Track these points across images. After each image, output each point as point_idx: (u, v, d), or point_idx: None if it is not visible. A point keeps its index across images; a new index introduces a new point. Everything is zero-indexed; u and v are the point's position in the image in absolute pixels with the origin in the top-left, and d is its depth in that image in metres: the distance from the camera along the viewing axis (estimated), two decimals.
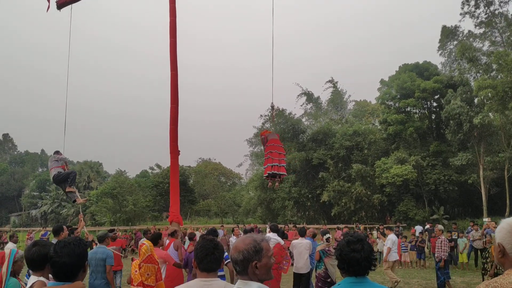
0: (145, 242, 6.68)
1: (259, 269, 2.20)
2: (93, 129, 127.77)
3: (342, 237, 2.70)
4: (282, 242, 9.46)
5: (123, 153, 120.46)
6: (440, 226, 12.48)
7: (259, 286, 2.18)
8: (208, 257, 2.85)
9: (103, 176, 71.23)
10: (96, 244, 10.86)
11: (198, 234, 12.97)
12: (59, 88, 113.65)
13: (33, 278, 3.33)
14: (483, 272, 10.73)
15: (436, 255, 11.71)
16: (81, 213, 11.04)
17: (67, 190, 10.48)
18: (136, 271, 6.27)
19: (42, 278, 3.29)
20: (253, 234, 2.37)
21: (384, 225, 24.20)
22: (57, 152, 10.75)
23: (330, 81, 52.09)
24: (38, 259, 3.32)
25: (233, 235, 17.53)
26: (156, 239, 7.44)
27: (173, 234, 9.26)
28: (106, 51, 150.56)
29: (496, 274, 10.22)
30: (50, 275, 3.00)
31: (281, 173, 11.11)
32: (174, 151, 9.94)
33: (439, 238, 11.81)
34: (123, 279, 11.09)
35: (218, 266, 2.89)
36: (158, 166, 61.70)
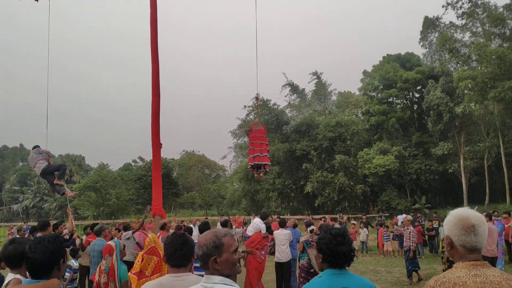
0: (149, 235, 7.32)
1: (219, 264, 2.19)
2: (74, 122, 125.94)
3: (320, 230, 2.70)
4: (263, 230, 9.53)
5: (105, 146, 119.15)
6: (408, 216, 12.66)
7: (221, 280, 2.18)
8: (176, 253, 2.87)
9: (86, 170, 70.49)
10: (80, 239, 10.85)
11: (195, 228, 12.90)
12: (38, 80, 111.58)
13: (9, 276, 3.28)
14: (442, 261, 10.85)
15: (404, 245, 11.86)
16: (68, 206, 10.96)
17: (55, 182, 10.38)
18: (138, 261, 6.69)
19: (18, 276, 3.24)
20: (217, 229, 2.36)
21: (367, 215, 24.56)
22: (36, 147, 10.59)
23: (314, 73, 52.16)
24: (14, 257, 3.26)
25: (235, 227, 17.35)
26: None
27: (163, 227, 9.36)
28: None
29: (450, 262, 10.48)
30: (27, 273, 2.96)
31: (263, 163, 11.12)
32: (156, 144, 9.87)
33: (407, 228, 11.97)
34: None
35: (187, 262, 2.91)
36: (141, 159, 61.24)
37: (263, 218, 10.25)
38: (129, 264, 10.16)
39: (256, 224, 10.24)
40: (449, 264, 9.81)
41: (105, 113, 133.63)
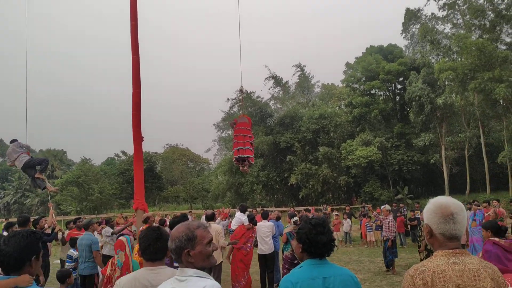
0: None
1: (193, 257, 2.16)
2: (55, 116, 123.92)
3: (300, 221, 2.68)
4: (246, 222, 9.52)
5: (87, 141, 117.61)
6: (387, 206, 12.73)
7: (195, 272, 2.15)
8: (150, 247, 2.85)
9: (67, 165, 69.70)
10: (62, 232, 10.74)
11: (190, 218, 12.87)
12: (17, 75, 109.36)
13: None
14: (419, 249, 10.94)
15: (383, 234, 11.99)
16: (50, 201, 10.80)
17: (36, 176, 10.20)
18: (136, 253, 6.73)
19: None
20: (191, 221, 2.30)
21: (351, 206, 24.76)
22: (15, 140, 10.39)
23: (297, 66, 52.20)
24: None
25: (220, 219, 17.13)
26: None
27: (146, 221, 9.28)
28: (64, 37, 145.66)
29: (428, 250, 10.64)
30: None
31: (246, 155, 11.07)
32: (138, 138, 9.69)
33: (386, 218, 12.09)
34: None
35: (163, 256, 2.88)
36: (124, 153, 60.83)
37: (242, 211, 10.24)
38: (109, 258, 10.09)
39: (238, 217, 10.25)
40: (427, 252, 9.95)
41: (86, 107, 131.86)
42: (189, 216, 14.24)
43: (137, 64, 10.10)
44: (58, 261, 11.46)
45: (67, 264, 8.89)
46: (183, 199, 51.88)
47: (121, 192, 49.31)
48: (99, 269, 8.43)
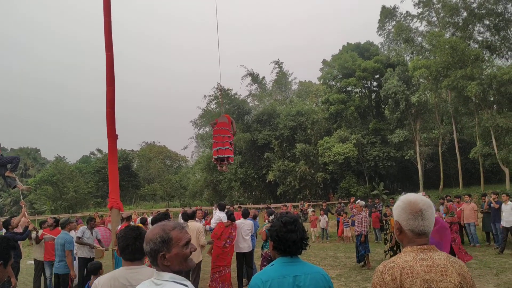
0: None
1: (169, 260, 2.06)
2: (27, 114, 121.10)
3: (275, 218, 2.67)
4: (224, 220, 9.52)
5: (62, 139, 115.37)
6: (361, 202, 12.86)
7: (171, 277, 2.05)
8: (129, 247, 2.79)
9: (41, 163, 68.22)
10: (36, 231, 10.53)
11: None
12: None
13: None
14: (385, 243, 11.16)
15: (356, 229, 12.16)
16: (22, 200, 10.54)
17: (6, 174, 9.95)
18: None
19: None
20: (166, 222, 2.19)
21: (327, 202, 24.97)
22: None
23: (275, 62, 52.26)
24: None
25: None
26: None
27: (129, 219, 9.25)
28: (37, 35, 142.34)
29: (394, 251, 10.88)
30: None
31: (226, 156, 11.02)
32: (112, 135, 9.55)
33: (359, 214, 12.26)
34: None
35: (141, 256, 2.83)
36: (100, 151, 59.92)
37: (221, 209, 10.25)
38: (89, 261, 9.92)
39: (217, 215, 10.25)
40: (393, 254, 10.16)
41: (61, 104, 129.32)
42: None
43: (111, 61, 9.94)
44: (32, 262, 11.19)
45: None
46: (160, 197, 51.48)
47: (97, 190, 48.63)
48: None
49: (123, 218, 9.51)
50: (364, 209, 12.36)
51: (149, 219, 12.46)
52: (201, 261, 8.84)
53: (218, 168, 11.71)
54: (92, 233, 10.13)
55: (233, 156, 11.44)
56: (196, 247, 2.25)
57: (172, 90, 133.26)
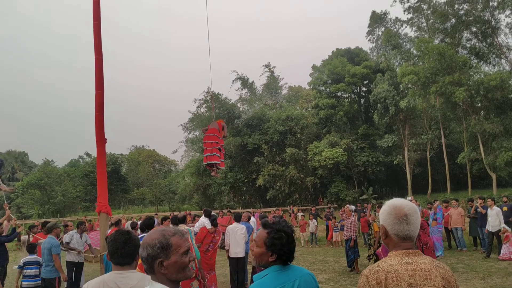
0: (185, 227, 7.96)
1: (166, 268, 1.95)
2: (15, 117, 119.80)
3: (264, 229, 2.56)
4: (208, 226, 9.51)
5: (50, 142, 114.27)
6: (351, 207, 12.97)
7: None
8: (118, 252, 2.77)
9: (29, 166, 67.49)
10: (28, 235, 10.39)
11: (156, 221, 12.68)
12: None
13: None
14: (369, 248, 11.19)
15: (345, 234, 12.23)
16: (5, 202, 10.45)
17: None
18: None
19: None
20: (166, 227, 2.05)
21: (317, 207, 25.04)
22: None
23: (267, 66, 52.40)
24: None
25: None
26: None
27: (117, 224, 9.21)
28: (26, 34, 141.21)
29: (376, 256, 10.98)
30: None
31: (213, 162, 11.08)
32: (101, 139, 9.48)
33: (349, 218, 12.36)
34: None
35: (131, 260, 2.81)
36: (88, 154, 59.56)
37: (206, 215, 10.25)
38: (77, 265, 9.84)
39: (201, 221, 10.26)
40: (377, 257, 10.29)
41: (49, 107, 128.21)
42: (155, 219, 13.99)
43: (100, 64, 9.90)
44: (16, 267, 11.04)
45: (28, 270, 8.61)
46: (149, 201, 51.14)
47: (85, 194, 48.19)
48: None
49: (112, 223, 9.47)
50: (353, 213, 12.44)
51: (127, 223, 12.42)
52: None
53: (212, 173, 11.86)
54: (81, 237, 10.07)
55: (220, 161, 11.46)
56: (195, 256, 2.17)
57: (161, 91, 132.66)
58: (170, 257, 1.97)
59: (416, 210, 2.19)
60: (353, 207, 12.91)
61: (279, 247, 2.52)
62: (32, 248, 8.93)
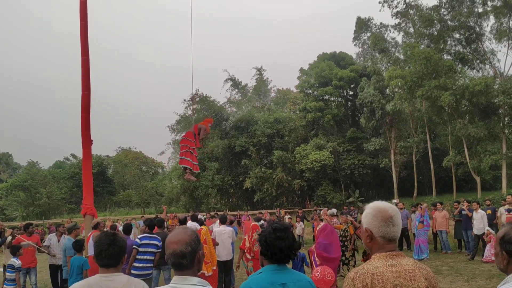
0: (203, 227, 8.55)
1: (201, 257, 2.21)
2: None
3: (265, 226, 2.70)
4: (198, 227, 9.50)
5: (34, 143, 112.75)
6: (332, 211, 12.94)
7: (199, 281, 2.14)
8: (102, 253, 2.76)
9: (13, 168, 66.65)
10: (12, 236, 10.17)
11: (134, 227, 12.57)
12: None
13: None
14: (343, 249, 11.12)
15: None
16: None
17: None
18: None
19: None
20: (184, 226, 2.36)
21: (304, 209, 25.11)
22: None
23: (257, 68, 52.50)
24: None
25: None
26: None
27: (96, 226, 9.16)
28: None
29: (354, 249, 11.21)
30: None
31: (183, 165, 11.41)
32: (87, 141, 9.44)
33: (331, 222, 12.34)
34: (38, 276, 10.50)
35: (116, 262, 2.79)
36: (74, 156, 58.88)
37: (193, 219, 10.26)
38: (57, 267, 9.72)
39: (189, 224, 10.28)
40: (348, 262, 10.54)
41: (33, 108, 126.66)
42: (132, 223, 13.75)
43: (87, 65, 9.84)
44: (1, 269, 10.82)
45: (8, 274, 8.42)
46: (136, 204, 50.77)
47: (71, 196, 47.73)
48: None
49: (95, 225, 9.36)
50: (335, 217, 12.48)
51: (120, 227, 12.29)
52: None
53: (184, 176, 12.11)
54: (59, 240, 9.90)
55: (193, 164, 11.53)
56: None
57: (149, 90, 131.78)
58: (202, 248, 2.26)
59: (398, 211, 2.24)
60: (334, 211, 12.88)
61: (263, 239, 2.64)
62: (15, 250, 8.72)
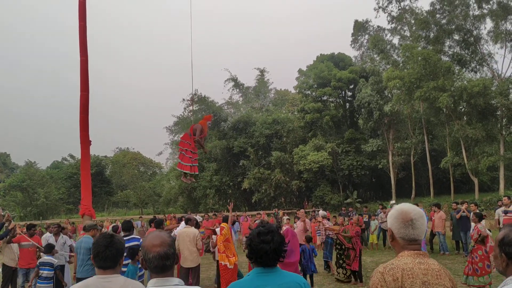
0: (224, 226, 8.79)
1: (176, 259, 2.30)
2: None
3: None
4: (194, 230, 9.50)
5: (32, 143, 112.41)
6: (321, 213, 13.02)
7: (179, 281, 2.21)
8: (100, 255, 2.76)
9: (11, 168, 66.49)
10: (14, 230, 10.04)
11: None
12: None
13: None
14: (340, 252, 11.06)
15: (323, 238, 12.37)
16: None
17: None
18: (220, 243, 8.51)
19: None
20: (161, 231, 2.40)
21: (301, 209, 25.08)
22: None
23: (259, 69, 52.55)
24: None
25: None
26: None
27: (86, 229, 9.05)
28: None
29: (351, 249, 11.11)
30: None
31: (178, 169, 11.45)
32: (85, 141, 9.46)
33: (323, 224, 12.52)
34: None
35: (114, 264, 2.79)
36: (72, 156, 58.80)
37: (186, 222, 10.26)
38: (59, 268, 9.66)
39: (182, 225, 10.28)
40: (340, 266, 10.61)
41: (31, 108, 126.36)
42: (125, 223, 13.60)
43: (85, 66, 9.86)
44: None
45: (45, 272, 8.30)
46: (134, 204, 50.75)
47: (69, 197, 47.67)
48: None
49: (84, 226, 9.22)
50: (325, 219, 12.62)
51: (110, 227, 12.20)
52: (199, 264, 9.00)
53: (182, 178, 12.13)
54: (56, 240, 9.81)
55: (188, 170, 11.54)
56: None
57: (148, 90, 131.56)
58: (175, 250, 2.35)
59: (422, 215, 2.33)
60: (324, 213, 13.05)
61: (248, 243, 2.67)
62: (50, 249, 8.64)
